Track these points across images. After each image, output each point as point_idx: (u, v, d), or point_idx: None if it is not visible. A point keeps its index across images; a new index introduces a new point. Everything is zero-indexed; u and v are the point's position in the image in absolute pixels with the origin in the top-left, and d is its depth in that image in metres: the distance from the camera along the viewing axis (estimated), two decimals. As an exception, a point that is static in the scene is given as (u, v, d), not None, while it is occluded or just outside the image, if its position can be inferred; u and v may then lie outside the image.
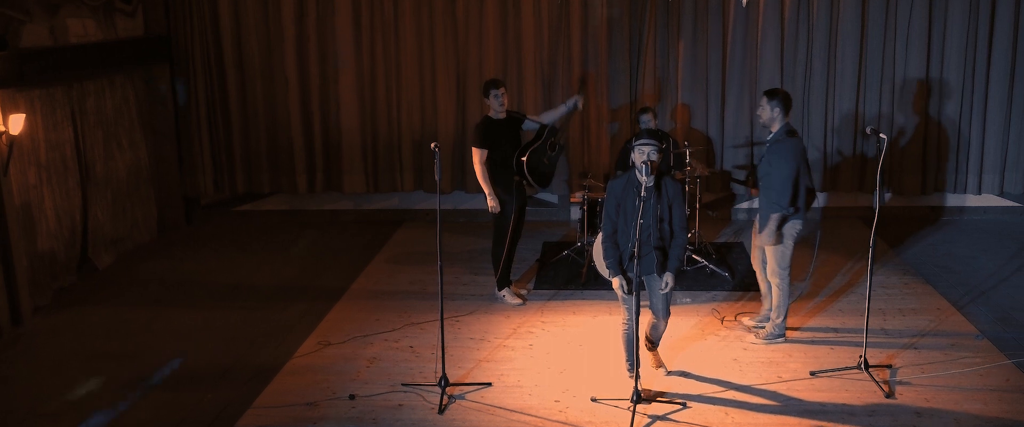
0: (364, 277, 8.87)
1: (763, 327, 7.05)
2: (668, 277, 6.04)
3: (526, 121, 7.82)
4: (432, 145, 5.92)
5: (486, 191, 7.57)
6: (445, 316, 7.00)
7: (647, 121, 8.68)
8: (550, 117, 8.01)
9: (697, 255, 8.74)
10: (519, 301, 7.90)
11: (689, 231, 8.63)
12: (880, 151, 6.07)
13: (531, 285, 8.47)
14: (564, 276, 8.65)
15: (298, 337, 7.26)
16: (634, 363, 5.94)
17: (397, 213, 11.13)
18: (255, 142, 10.80)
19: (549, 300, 8.05)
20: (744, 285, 8.33)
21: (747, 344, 6.98)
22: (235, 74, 10.67)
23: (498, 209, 7.63)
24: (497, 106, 7.58)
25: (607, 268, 6.07)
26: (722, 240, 9.92)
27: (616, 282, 6.03)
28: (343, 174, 10.83)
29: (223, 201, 11.23)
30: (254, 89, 10.67)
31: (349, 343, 7.12)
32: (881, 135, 6.06)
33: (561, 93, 10.49)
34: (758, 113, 6.56)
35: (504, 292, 7.95)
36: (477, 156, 7.53)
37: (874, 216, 6.25)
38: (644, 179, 5.82)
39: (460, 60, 10.50)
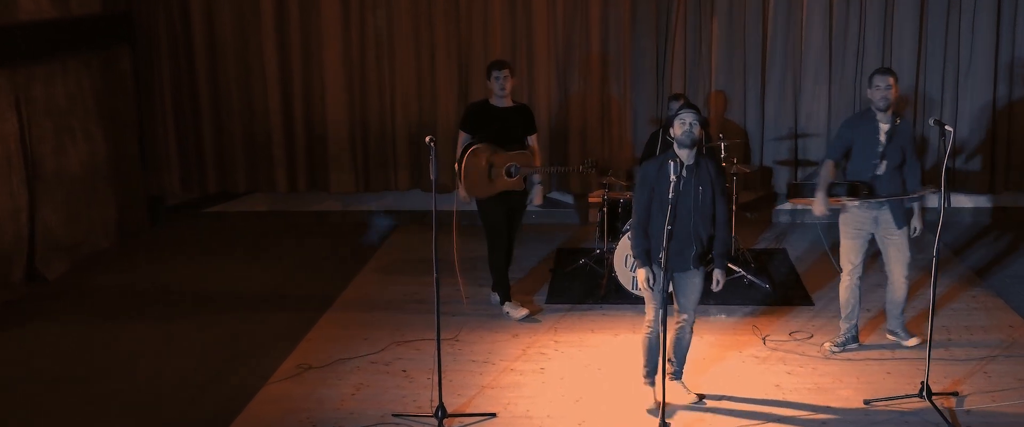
0: (352, 289, 8.82)
1: (842, 346, 7.10)
2: (718, 274, 6.05)
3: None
4: (427, 139, 5.84)
5: (460, 180, 7.65)
6: (443, 335, 6.89)
7: (677, 108, 8.62)
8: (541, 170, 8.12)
9: (734, 263, 8.66)
10: (524, 312, 7.88)
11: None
12: (946, 146, 5.97)
13: (541, 299, 8.40)
14: (581, 288, 8.60)
15: (275, 359, 7.17)
16: (653, 369, 6.01)
17: (391, 215, 11.10)
18: (229, 135, 10.82)
19: (564, 316, 7.98)
20: (787, 298, 8.26)
21: (792, 367, 6.87)
22: (206, 57, 10.67)
23: (467, 198, 7.70)
24: (498, 90, 7.60)
25: (635, 258, 6.03)
26: (761, 246, 9.88)
27: (643, 274, 5.97)
28: (329, 171, 10.84)
29: (192, 201, 11.24)
30: (227, 74, 10.68)
31: (332, 366, 7.03)
32: (947, 127, 5.98)
33: (578, 79, 10.49)
34: (887, 95, 6.61)
35: (507, 306, 7.96)
36: (459, 140, 7.64)
37: (938, 219, 6.14)
38: (683, 155, 5.80)
39: (462, 41, 10.51)
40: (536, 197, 8.00)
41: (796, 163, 10.52)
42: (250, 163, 10.88)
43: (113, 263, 9.77)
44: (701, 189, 5.83)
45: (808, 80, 10.37)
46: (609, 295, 8.27)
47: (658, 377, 5.82)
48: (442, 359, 6.28)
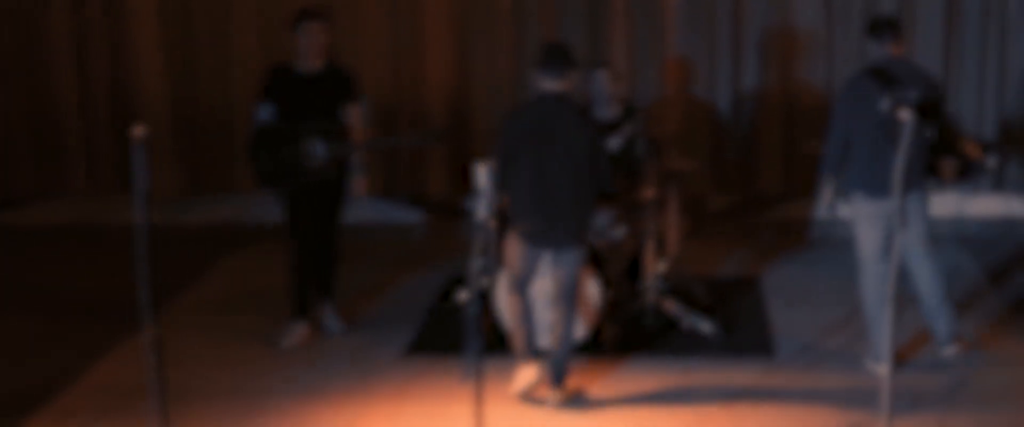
0: (142, 337, 8.16)
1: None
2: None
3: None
4: (133, 130, 5.62)
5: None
6: (229, 403, 6.83)
7: (602, 80, 8.55)
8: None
9: (668, 302, 8.28)
10: (298, 338, 8.07)
11: (663, 258, 8.58)
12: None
13: (397, 350, 7.95)
14: (456, 335, 8.15)
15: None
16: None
17: (233, 228, 10.86)
18: (4, 119, 10.89)
19: (418, 376, 7.51)
20: (738, 346, 7.93)
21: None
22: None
23: (268, 195, 8.05)
24: (301, 48, 7.77)
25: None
26: (727, 275, 9.57)
27: None
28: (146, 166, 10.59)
29: (-43, 210, 11.15)
30: (0, 36, 10.73)
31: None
32: (901, 113, 5.59)
33: (483, 39, 10.52)
34: None
35: (291, 325, 8.10)
36: (256, 114, 7.93)
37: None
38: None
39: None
40: (358, 188, 7.99)
41: (790, 154, 10.43)
42: (37, 157, 10.92)
43: None
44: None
45: (801, 38, 10.32)
46: (496, 345, 7.77)
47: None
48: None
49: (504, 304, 7.62)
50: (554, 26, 10.36)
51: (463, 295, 8.60)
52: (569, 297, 6.84)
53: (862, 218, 7.23)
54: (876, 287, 7.23)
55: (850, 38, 10.18)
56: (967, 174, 7.24)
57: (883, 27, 7.21)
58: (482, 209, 5.55)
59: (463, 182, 10.53)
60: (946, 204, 10.41)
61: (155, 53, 10.58)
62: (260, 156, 7.79)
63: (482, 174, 5.50)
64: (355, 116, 7.91)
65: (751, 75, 10.44)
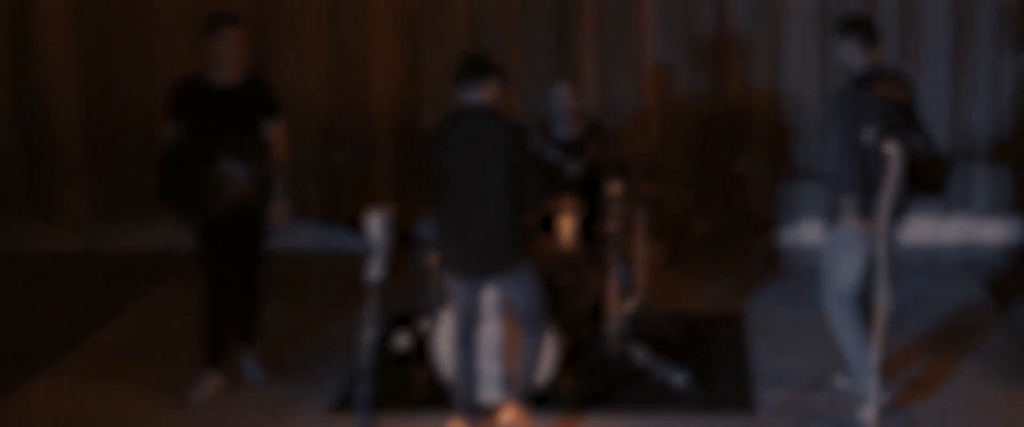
0: (30, 395, 7.86)
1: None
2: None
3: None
4: None
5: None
6: None
7: (561, 94, 8.28)
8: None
9: (636, 349, 7.89)
10: (207, 389, 7.69)
11: (631, 296, 8.31)
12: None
13: (319, 403, 7.53)
14: (394, 386, 7.81)
15: None
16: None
17: (155, 255, 10.62)
18: None
19: None
20: (716, 399, 7.57)
21: None
22: None
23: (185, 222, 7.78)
24: (220, 56, 7.47)
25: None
26: (706, 311, 9.19)
27: None
28: (59, 186, 10.74)
29: None
30: None
31: None
32: (888, 147, 5.75)
33: (434, 47, 10.29)
34: None
35: (202, 377, 7.71)
36: (163, 135, 7.63)
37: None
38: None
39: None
40: (279, 216, 7.72)
41: (781, 173, 10.30)
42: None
43: None
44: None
45: (792, 44, 10.09)
46: (433, 398, 7.49)
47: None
48: None
49: (446, 352, 7.37)
50: (515, 31, 10.14)
51: (403, 340, 8.18)
52: (538, 324, 6.74)
53: (850, 245, 6.97)
54: (855, 326, 7.07)
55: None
56: (941, 188, 7.10)
57: (868, 30, 6.98)
58: (375, 267, 4.73)
59: (413, 203, 10.20)
60: (954, 229, 10.41)
61: (68, 61, 10.43)
62: (170, 180, 7.49)
63: (375, 225, 4.68)
64: (277, 133, 7.67)
65: (736, 84, 10.19)
